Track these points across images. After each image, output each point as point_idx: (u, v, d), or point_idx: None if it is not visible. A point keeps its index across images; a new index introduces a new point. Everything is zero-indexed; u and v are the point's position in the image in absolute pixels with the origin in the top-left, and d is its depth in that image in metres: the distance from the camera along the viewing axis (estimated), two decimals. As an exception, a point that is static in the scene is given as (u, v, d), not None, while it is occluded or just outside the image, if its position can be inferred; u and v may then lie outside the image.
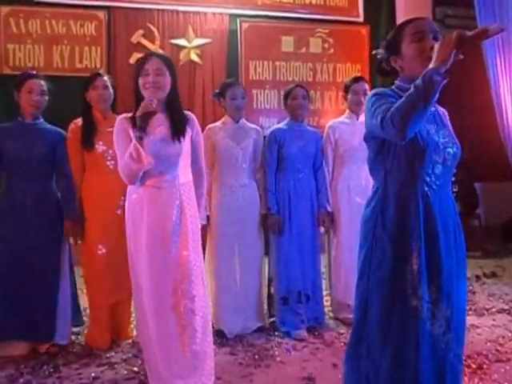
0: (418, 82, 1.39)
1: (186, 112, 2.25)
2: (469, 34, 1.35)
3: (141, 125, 1.99)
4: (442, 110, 1.71)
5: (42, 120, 2.74)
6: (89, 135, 2.70)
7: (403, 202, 1.55)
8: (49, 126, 2.75)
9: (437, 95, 1.40)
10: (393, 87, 1.62)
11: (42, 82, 2.69)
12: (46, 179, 2.69)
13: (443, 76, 1.38)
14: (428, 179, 1.54)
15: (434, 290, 1.53)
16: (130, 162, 1.99)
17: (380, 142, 1.58)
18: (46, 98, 2.69)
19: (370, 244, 1.59)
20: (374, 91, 1.59)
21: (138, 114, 1.99)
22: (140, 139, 1.99)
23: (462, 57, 1.41)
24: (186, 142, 2.14)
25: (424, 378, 1.51)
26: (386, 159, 1.58)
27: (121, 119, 2.13)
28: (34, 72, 2.81)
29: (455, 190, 5.14)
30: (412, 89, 1.40)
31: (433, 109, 1.60)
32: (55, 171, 2.73)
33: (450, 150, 1.58)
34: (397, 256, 1.53)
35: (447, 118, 1.71)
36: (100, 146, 2.70)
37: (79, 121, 2.78)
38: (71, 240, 2.77)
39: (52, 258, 2.67)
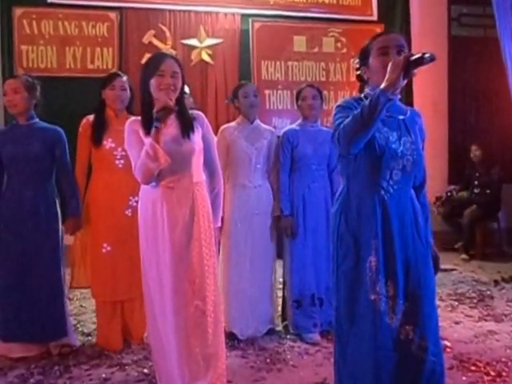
0: (366, 102, 1.53)
1: (193, 111, 2.23)
2: (413, 57, 1.49)
3: (158, 117, 1.94)
4: (416, 114, 1.79)
5: (36, 120, 2.69)
6: (98, 131, 2.70)
7: (362, 205, 1.68)
8: (45, 124, 2.71)
9: (381, 115, 1.52)
10: (361, 95, 1.74)
11: (16, 81, 2.64)
12: (44, 179, 2.66)
13: (389, 98, 1.51)
14: (385, 184, 1.67)
15: (391, 286, 1.65)
16: (146, 161, 1.96)
17: None
18: (25, 94, 2.61)
19: (336, 239, 1.73)
20: (338, 103, 1.73)
21: (156, 108, 1.95)
22: (157, 129, 1.94)
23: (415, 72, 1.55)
24: (197, 140, 2.12)
25: (383, 366, 1.63)
26: (349, 164, 1.71)
27: (131, 121, 2.12)
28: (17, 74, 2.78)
29: (476, 192, 5.05)
30: (359, 109, 1.53)
31: (401, 117, 1.71)
32: (56, 170, 2.70)
33: (409, 157, 1.68)
34: (358, 253, 1.67)
35: (419, 123, 1.78)
36: (108, 143, 2.69)
37: (91, 117, 2.77)
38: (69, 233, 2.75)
39: (52, 257, 2.65)
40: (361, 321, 1.66)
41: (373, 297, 1.64)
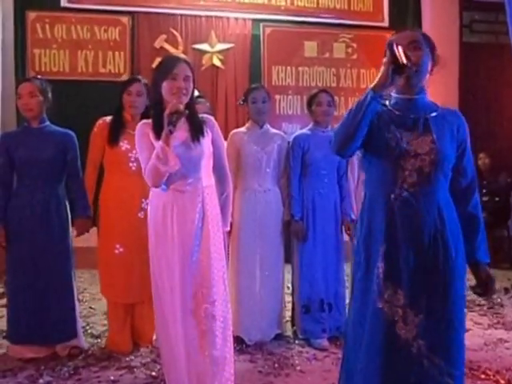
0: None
1: (204, 115, 2.24)
2: (400, 52, 1.48)
3: (172, 120, 1.93)
4: (452, 113, 1.67)
5: (47, 123, 2.70)
6: (115, 131, 2.73)
7: (373, 211, 1.64)
8: (56, 128, 2.72)
9: (368, 113, 1.51)
10: None
11: (32, 84, 2.64)
12: (55, 182, 2.67)
13: (376, 95, 1.50)
14: (397, 187, 1.59)
15: (401, 295, 1.57)
16: (156, 163, 1.96)
17: (362, 153, 1.70)
18: (40, 98, 2.61)
19: (355, 247, 1.72)
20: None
21: (167, 112, 1.95)
22: (171, 133, 1.94)
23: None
24: (206, 144, 2.13)
25: (392, 376, 1.57)
26: (366, 168, 1.71)
27: (141, 124, 2.13)
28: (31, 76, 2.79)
29: (485, 199, 5.01)
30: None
31: (431, 115, 1.62)
32: (66, 173, 2.71)
33: (425, 157, 1.57)
34: (367, 259, 1.63)
35: (457, 123, 1.65)
36: (124, 144, 2.72)
37: (108, 118, 2.80)
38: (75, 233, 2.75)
39: (63, 259, 2.67)
40: (370, 329, 1.62)
41: (381, 305, 1.58)
